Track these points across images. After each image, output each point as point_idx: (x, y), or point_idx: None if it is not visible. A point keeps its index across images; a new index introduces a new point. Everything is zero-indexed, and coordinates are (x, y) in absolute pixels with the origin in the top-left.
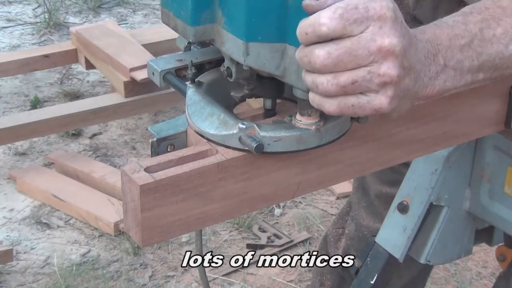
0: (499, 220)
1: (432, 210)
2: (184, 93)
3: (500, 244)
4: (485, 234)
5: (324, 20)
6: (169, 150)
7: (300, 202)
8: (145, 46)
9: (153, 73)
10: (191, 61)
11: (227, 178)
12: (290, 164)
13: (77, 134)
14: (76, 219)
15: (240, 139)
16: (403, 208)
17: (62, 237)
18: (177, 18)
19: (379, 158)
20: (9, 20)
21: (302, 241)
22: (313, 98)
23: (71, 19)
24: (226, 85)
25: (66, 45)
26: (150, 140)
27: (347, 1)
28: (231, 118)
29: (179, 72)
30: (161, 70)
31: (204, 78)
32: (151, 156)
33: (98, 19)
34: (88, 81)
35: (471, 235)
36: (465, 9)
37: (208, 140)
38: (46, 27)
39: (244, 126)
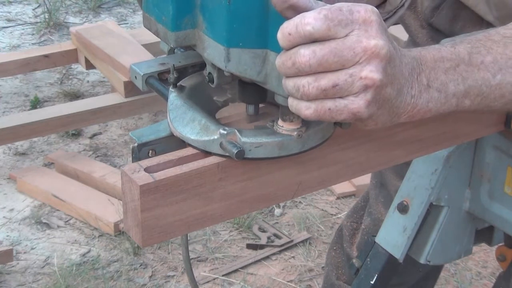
0: (499, 220)
1: (432, 210)
2: (166, 98)
3: (500, 244)
4: (485, 234)
5: (308, 20)
6: (150, 155)
7: (300, 202)
8: (145, 46)
9: (135, 77)
10: (173, 65)
11: (227, 178)
12: (290, 164)
13: (77, 134)
14: (76, 219)
15: (221, 144)
16: (403, 208)
17: (62, 237)
18: (158, 23)
19: (379, 158)
20: (9, 20)
21: (302, 241)
22: (291, 103)
23: (71, 19)
24: (209, 89)
25: (66, 45)
26: (131, 146)
27: (330, 5)
28: (212, 124)
29: (162, 76)
30: (144, 74)
31: (187, 82)
32: (132, 162)
33: (98, 19)
34: (88, 81)
35: (471, 235)
36: (456, 38)
37: (190, 145)
38: (46, 27)
39: (225, 132)
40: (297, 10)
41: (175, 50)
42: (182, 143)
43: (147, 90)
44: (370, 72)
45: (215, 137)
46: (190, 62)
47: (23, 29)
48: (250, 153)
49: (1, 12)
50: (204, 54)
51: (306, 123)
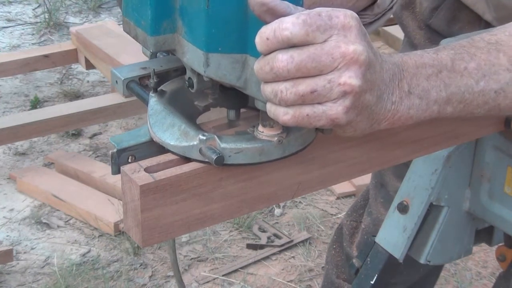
0: (499, 220)
1: (432, 210)
2: (147, 103)
3: (500, 244)
4: (485, 234)
5: (286, 25)
6: (130, 161)
7: (300, 202)
8: None
9: (116, 82)
10: (153, 69)
11: (227, 179)
12: (290, 164)
13: (77, 134)
14: (76, 219)
15: (200, 150)
16: (403, 208)
17: (62, 237)
18: (137, 28)
19: (379, 158)
20: (9, 20)
21: (302, 241)
22: (270, 108)
23: (71, 19)
24: (190, 94)
25: (66, 45)
26: (110, 151)
27: (310, 10)
28: (192, 129)
29: (142, 81)
30: (124, 79)
31: (168, 87)
32: (112, 168)
33: (98, 19)
34: (88, 81)
35: (471, 235)
36: (440, 46)
37: (169, 151)
38: (46, 27)
39: (204, 138)
40: (276, 14)
41: (158, 54)
42: (162, 149)
43: (128, 94)
44: (349, 78)
45: (195, 142)
46: (172, 66)
47: (23, 29)
48: (230, 159)
49: (1, 12)
50: (184, 59)
51: (286, 129)
